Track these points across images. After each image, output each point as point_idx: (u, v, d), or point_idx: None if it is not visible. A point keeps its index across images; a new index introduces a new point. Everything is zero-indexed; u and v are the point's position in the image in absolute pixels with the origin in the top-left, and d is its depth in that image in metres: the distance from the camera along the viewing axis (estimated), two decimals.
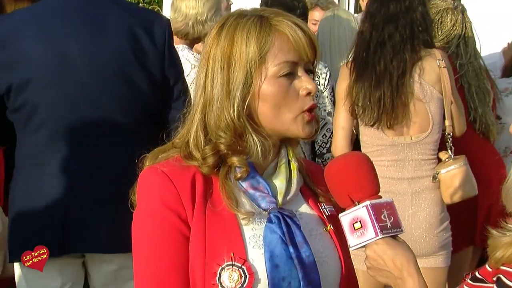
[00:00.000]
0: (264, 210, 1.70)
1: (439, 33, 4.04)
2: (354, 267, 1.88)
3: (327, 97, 4.21)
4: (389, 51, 3.58)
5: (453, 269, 3.80)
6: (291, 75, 1.72)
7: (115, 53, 2.91)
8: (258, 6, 3.23)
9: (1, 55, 2.90)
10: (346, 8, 7.61)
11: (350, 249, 1.72)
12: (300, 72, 1.73)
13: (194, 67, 3.87)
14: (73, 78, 2.88)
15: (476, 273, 1.97)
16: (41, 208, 2.88)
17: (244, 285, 1.63)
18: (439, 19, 4.07)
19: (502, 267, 1.93)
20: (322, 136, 4.19)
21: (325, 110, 4.16)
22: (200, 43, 4.22)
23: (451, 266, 3.70)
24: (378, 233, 1.67)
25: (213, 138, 1.72)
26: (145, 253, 1.69)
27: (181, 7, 4.12)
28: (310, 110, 1.73)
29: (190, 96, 1.79)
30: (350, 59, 3.75)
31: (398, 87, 3.55)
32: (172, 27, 3.24)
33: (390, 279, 1.71)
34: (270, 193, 1.72)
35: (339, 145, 3.69)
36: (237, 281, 1.63)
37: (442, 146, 3.66)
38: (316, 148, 4.21)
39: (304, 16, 4.43)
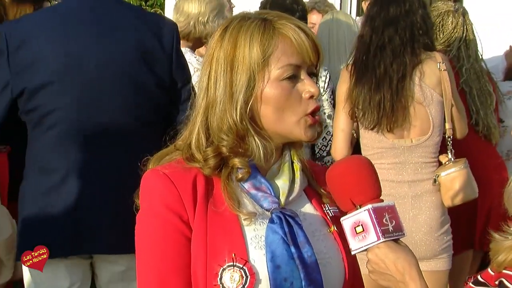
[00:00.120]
0: (267, 210, 1.70)
1: (441, 35, 4.04)
2: None
3: (327, 100, 4.21)
4: (389, 54, 3.58)
5: (453, 272, 3.80)
6: (294, 78, 1.72)
7: (125, 57, 2.96)
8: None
9: (15, 58, 2.94)
10: (348, 11, 7.61)
11: (352, 253, 1.71)
12: (303, 75, 1.73)
13: (197, 70, 3.87)
14: (84, 81, 2.92)
15: (479, 277, 1.97)
16: (50, 209, 2.92)
17: (246, 286, 1.63)
18: (440, 22, 4.07)
19: (504, 271, 1.93)
20: (322, 139, 4.19)
21: (325, 113, 4.16)
22: (203, 47, 4.23)
23: (451, 269, 3.69)
24: (380, 236, 1.66)
25: (215, 140, 1.72)
26: (148, 255, 1.70)
27: (183, 7, 4.15)
28: (313, 113, 1.73)
29: (193, 99, 1.79)
30: (350, 63, 3.74)
31: (398, 90, 3.55)
32: None
33: (392, 283, 1.70)
34: (272, 193, 1.72)
35: (339, 147, 3.69)
36: (238, 282, 1.63)
37: (443, 149, 3.65)
38: (316, 151, 4.21)
39: (303, 19, 4.44)
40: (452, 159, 3.59)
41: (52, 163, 2.95)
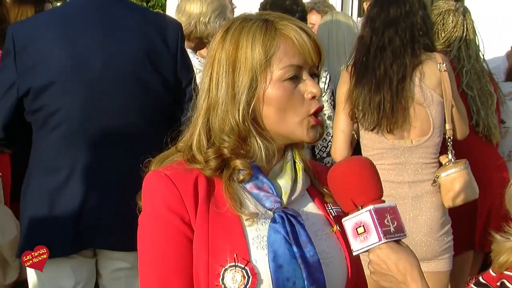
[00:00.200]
0: (269, 209, 1.70)
1: (442, 34, 4.05)
2: None
3: (327, 101, 4.21)
4: (389, 55, 3.57)
5: (454, 273, 3.79)
6: (296, 79, 1.72)
7: (130, 56, 2.99)
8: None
9: (22, 58, 2.96)
10: (349, 12, 7.60)
11: (353, 254, 1.71)
12: (305, 75, 1.73)
13: (199, 72, 3.88)
14: (90, 81, 2.95)
15: (480, 278, 1.97)
16: (55, 208, 2.94)
17: (247, 286, 1.63)
18: (441, 21, 4.07)
19: (505, 272, 1.93)
20: (322, 140, 4.19)
21: (325, 114, 4.16)
22: (204, 49, 4.23)
23: (452, 270, 3.68)
24: (382, 237, 1.66)
25: (216, 142, 1.72)
26: (149, 256, 1.70)
27: (185, 7, 4.17)
28: (316, 113, 1.73)
29: (195, 100, 1.79)
30: (350, 64, 3.74)
31: (398, 91, 3.55)
32: None
33: (393, 283, 1.70)
34: (274, 193, 1.72)
35: (339, 148, 3.69)
36: (240, 282, 1.63)
37: (443, 150, 3.65)
38: (316, 152, 4.21)
39: (303, 19, 4.44)
40: (453, 160, 3.59)
41: (57, 162, 2.96)
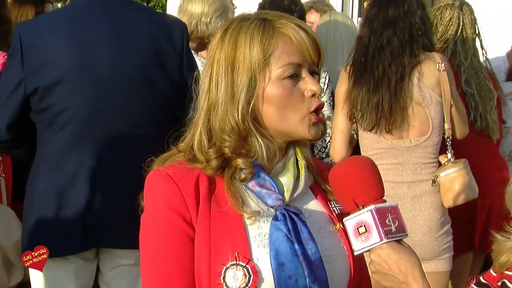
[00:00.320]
0: (271, 207, 1.70)
1: (439, 29, 4.05)
2: None
3: (326, 101, 4.21)
4: (387, 55, 3.57)
5: (454, 274, 3.79)
6: (295, 77, 1.72)
7: (137, 55, 3.01)
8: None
9: (28, 57, 2.98)
10: (350, 11, 7.59)
11: (355, 254, 1.71)
12: (304, 73, 1.73)
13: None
14: (97, 80, 2.97)
15: (481, 278, 1.97)
16: (62, 208, 2.96)
17: (249, 285, 1.63)
18: (438, 15, 4.09)
19: (506, 272, 1.93)
20: (322, 141, 4.18)
21: (324, 115, 4.15)
22: (205, 50, 4.24)
23: (452, 270, 3.68)
24: (383, 237, 1.66)
25: (217, 141, 1.73)
26: (151, 256, 1.71)
27: (187, 7, 4.19)
28: (317, 111, 1.74)
29: (195, 101, 1.79)
30: (349, 64, 3.74)
31: (397, 91, 3.55)
32: None
33: (394, 283, 1.70)
34: (276, 190, 1.72)
35: (338, 148, 3.69)
36: (241, 281, 1.63)
37: (443, 150, 3.65)
38: (316, 153, 4.21)
39: (301, 19, 4.42)
40: (452, 159, 3.59)
41: (63, 162, 2.98)
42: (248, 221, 1.69)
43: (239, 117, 1.69)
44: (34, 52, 2.97)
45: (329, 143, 4.06)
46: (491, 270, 1.96)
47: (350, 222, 1.69)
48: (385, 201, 1.70)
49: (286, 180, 1.75)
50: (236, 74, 1.70)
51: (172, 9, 4.59)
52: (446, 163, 3.59)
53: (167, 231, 1.68)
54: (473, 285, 1.96)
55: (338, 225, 1.78)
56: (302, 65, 1.72)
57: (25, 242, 3.04)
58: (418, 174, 3.58)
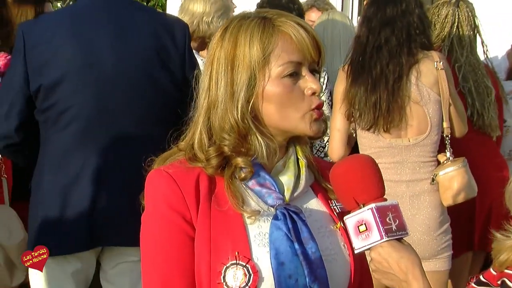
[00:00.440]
0: (271, 206, 1.70)
1: (437, 26, 4.06)
2: None
3: (325, 101, 4.20)
4: (385, 55, 3.57)
5: (453, 274, 3.79)
6: (295, 75, 1.72)
7: (141, 54, 3.04)
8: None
9: (32, 57, 2.99)
10: (350, 11, 7.58)
11: (355, 252, 1.71)
12: (305, 72, 1.73)
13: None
14: (101, 79, 2.99)
15: (481, 277, 1.97)
16: (67, 206, 2.98)
17: (249, 284, 1.63)
18: (436, 12, 4.10)
19: (506, 270, 1.93)
20: (320, 141, 4.18)
21: (324, 114, 4.14)
22: (206, 50, 4.24)
23: (452, 270, 3.67)
24: (383, 236, 1.66)
25: (217, 140, 1.72)
26: (152, 255, 1.71)
27: (188, 6, 4.20)
28: (317, 109, 1.74)
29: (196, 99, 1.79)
30: (347, 63, 3.74)
31: (394, 90, 3.55)
32: None
33: (395, 282, 1.70)
34: (276, 190, 1.72)
35: (336, 147, 3.69)
36: (241, 280, 1.63)
37: (442, 148, 3.64)
38: (314, 153, 4.20)
39: (300, 17, 4.43)
40: (451, 158, 3.58)
41: (68, 160, 3.00)
42: (248, 221, 1.69)
43: (239, 116, 1.69)
44: (37, 51, 2.99)
45: (327, 143, 4.05)
46: (491, 269, 1.96)
47: (350, 220, 1.69)
48: (385, 199, 1.71)
49: (287, 179, 1.75)
50: (236, 73, 1.70)
51: (172, 9, 4.59)
52: (445, 162, 3.59)
53: (168, 230, 1.68)
54: (473, 284, 1.96)
55: (339, 224, 1.78)
56: (302, 63, 1.72)
57: (31, 240, 3.05)
58: (416, 173, 3.58)
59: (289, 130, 1.74)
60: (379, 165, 3.27)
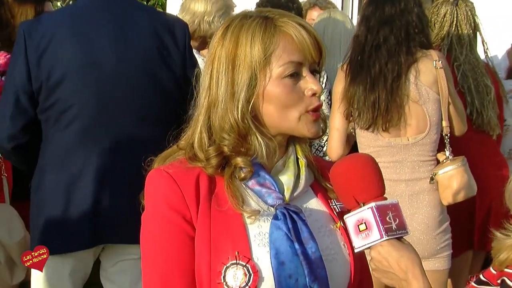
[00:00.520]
0: (271, 206, 1.70)
1: (436, 25, 4.06)
2: None
3: (324, 100, 4.20)
4: (384, 54, 3.57)
5: (453, 273, 3.78)
6: (296, 76, 1.72)
7: (141, 54, 3.06)
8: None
9: (33, 56, 3.00)
10: (350, 9, 7.57)
11: (355, 251, 1.71)
12: (305, 72, 1.73)
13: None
14: (102, 78, 3.00)
15: (481, 276, 1.97)
16: (71, 202, 3.00)
17: (249, 284, 1.63)
18: (436, 11, 4.10)
19: (506, 269, 1.93)
20: (319, 140, 4.17)
21: (323, 114, 4.14)
22: (206, 49, 4.24)
23: (451, 269, 3.67)
24: (383, 234, 1.66)
25: (217, 139, 1.72)
26: (152, 255, 1.71)
27: (190, 6, 4.21)
28: (315, 110, 1.73)
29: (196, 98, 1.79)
30: (345, 62, 3.74)
31: (393, 90, 3.54)
32: None
33: (395, 281, 1.70)
34: (276, 189, 1.72)
35: (334, 147, 3.69)
36: (242, 280, 1.63)
37: (442, 147, 3.64)
38: (313, 152, 4.20)
39: (299, 17, 4.42)
40: (450, 157, 3.58)
41: (70, 160, 3.01)
42: (248, 220, 1.69)
43: (239, 116, 1.69)
44: (38, 50, 3.00)
45: (326, 142, 4.05)
46: (491, 268, 1.96)
47: (350, 219, 1.69)
48: (386, 198, 1.71)
49: (287, 179, 1.75)
50: (236, 72, 1.70)
51: (172, 8, 4.59)
52: (444, 161, 3.58)
53: (168, 230, 1.68)
54: (473, 283, 1.96)
55: (339, 224, 1.78)
56: (303, 64, 1.72)
57: (34, 239, 3.06)
58: (416, 172, 3.58)
59: (289, 132, 1.74)
60: (378, 164, 3.27)
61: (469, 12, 4.07)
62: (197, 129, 1.74)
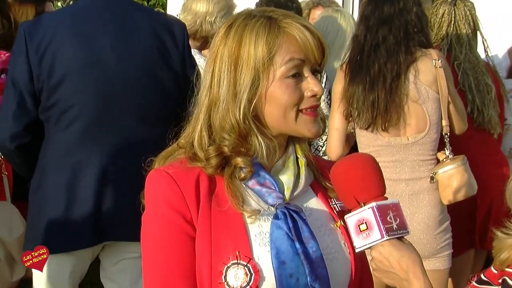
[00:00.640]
0: (271, 205, 1.70)
1: (436, 25, 4.06)
2: None
3: (324, 100, 4.19)
4: (383, 54, 3.56)
5: (454, 273, 3.78)
6: (298, 76, 1.72)
7: (141, 54, 3.07)
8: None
9: (34, 56, 3.01)
10: (351, 8, 7.56)
11: (356, 251, 1.71)
12: (307, 73, 1.73)
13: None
14: (103, 78, 3.02)
15: (482, 276, 1.97)
16: (73, 200, 3.01)
17: (250, 284, 1.63)
18: (435, 11, 4.10)
19: (507, 269, 1.93)
20: (318, 140, 4.17)
21: (322, 113, 4.13)
22: (208, 49, 4.23)
23: (452, 269, 3.67)
24: (384, 234, 1.66)
25: (217, 139, 1.72)
26: (153, 256, 1.71)
27: (191, 6, 4.21)
28: (311, 108, 1.73)
29: (196, 96, 1.79)
30: (345, 62, 3.74)
31: (392, 89, 3.54)
32: None
33: (396, 281, 1.70)
34: (276, 189, 1.72)
35: (334, 146, 3.69)
36: (242, 280, 1.63)
37: (442, 147, 3.63)
38: (313, 151, 4.18)
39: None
40: (450, 156, 3.58)
41: (71, 159, 3.02)
42: (248, 220, 1.69)
43: (240, 116, 1.69)
44: (39, 51, 3.00)
45: (325, 142, 4.05)
46: (492, 268, 1.96)
47: (351, 219, 1.69)
48: (386, 198, 1.71)
49: (286, 178, 1.75)
50: (239, 73, 1.70)
51: (173, 8, 4.59)
52: (444, 160, 3.57)
53: (168, 230, 1.68)
54: (474, 283, 1.95)
55: (339, 223, 1.78)
56: (305, 62, 1.71)
57: (34, 239, 3.05)
58: (416, 172, 3.58)
59: (289, 132, 1.74)
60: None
61: (467, 11, 4.06)
62: (197, 127, 1.74)
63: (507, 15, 5.79)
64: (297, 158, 1.79)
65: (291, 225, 1.67)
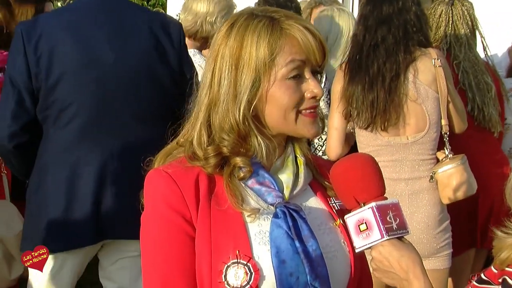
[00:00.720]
0: (271, 204, 1.70)
1: (434, 25, 4.06)
2: None
3: (323, 100, 4.19)
4: (382, 53, 3.56)
5: (455, 272, 3.78)
6: (298, 78, 1.71)
7: (140, 52, 3.10)
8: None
9: (32, 56, 3.03)
10: (351, 8, 7.57)
11: (356, 251, 1.71)
12: (308, 74, 1.72)
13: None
14: (101, 77, 3.04)
15: (482, 275, 1.97)
16: (73, 199, 3.03)
17: (250, 283, 1.63)
18: (433, 12, 4.11)
19: (507, 269, 1.92)
20: (318, 139, 4.17)
21: (321, 113, 4.13)
22: (208, 49, 4.23)
23: (452, 268, 3.67)
24: (384, 234, 1.66)
25: (216, 139, 1.72)
26: (152, 255, 1.71)
27: (192, 6, 4.22)
28: (310, 109, 1.73)
29: (196, 94, 1.79)
30: (344, 62, 3.74)
31: (391, 89, 3.54)
32: None
33: (396, 280, 1.70)
34: (276, 188, 1.72)
35: (333, 146, 3.69)
36: (243, 279, 1.63)
37: (442, 146, 3.63)
38: (312, 151, 4.19)
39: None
40: (450, 155, 3.57)
41: (70, 158, 3.04)
42: (248, 219, 1.69)
43: (240, 117, 1.69)
44: (37, 50, 3.02)
45: (325, 141, 4.05)
46: (492, 267, 1.95)
47: (351, 219, 1.69)
48: (386, 198, 1.71)
49: (286, 177, 1.75)
50: (240, 74, 1.69)
51: (173, 8, 4.59)
52: (443, 159, 3.57)
53: (167, 230, 1.68)
54: (474, 282, 1.95)
55: (338, 221, 1.78)
56: (306, 64, 1.71)
57: (34, 238, 3.05)
58: (415, 171, 3.57)
59: (289, 133, 1.74)
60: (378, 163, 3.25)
61: (465, 11, 4.06)
62: (197, 126, 1.74)
63: (506, 14, 5.79)
64: (296, 157, 1.79)
65: (290, 224, 1.67)
